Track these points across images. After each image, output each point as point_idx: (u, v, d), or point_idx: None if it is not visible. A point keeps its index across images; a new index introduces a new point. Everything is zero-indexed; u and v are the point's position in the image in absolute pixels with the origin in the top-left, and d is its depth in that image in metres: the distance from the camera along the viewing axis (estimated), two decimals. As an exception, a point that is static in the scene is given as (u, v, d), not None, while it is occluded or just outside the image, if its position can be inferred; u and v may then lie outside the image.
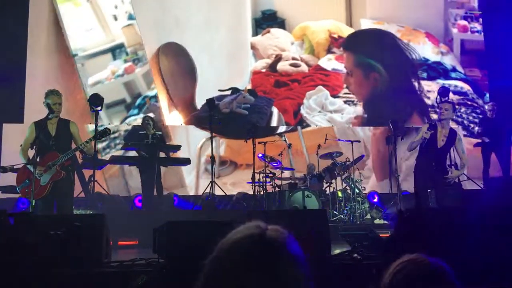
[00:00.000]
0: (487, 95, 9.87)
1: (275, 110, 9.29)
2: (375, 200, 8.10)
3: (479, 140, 8.13)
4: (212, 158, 6.81)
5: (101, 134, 5.20)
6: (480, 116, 9.35)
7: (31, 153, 4.84)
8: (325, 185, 7.92)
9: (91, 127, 7.80)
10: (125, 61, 9.16)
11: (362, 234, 4.16)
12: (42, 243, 3.22)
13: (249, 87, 9.35)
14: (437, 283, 1.12)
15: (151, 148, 6.84)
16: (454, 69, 9.95)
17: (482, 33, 10.18)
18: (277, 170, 7.87)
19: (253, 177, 7.22)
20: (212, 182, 6.75)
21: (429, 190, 5.61)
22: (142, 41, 9.15)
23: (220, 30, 9.50)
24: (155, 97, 9.07)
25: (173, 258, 3.29)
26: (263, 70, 9.53)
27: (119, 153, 8.01)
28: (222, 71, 9.40)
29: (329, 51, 9.75)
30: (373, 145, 9.32)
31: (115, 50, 9.18)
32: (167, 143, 7.85)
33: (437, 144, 5.50)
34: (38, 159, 4.72)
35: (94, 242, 3.44)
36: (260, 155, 7.57)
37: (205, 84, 9.18)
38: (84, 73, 8.92)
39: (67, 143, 4.97)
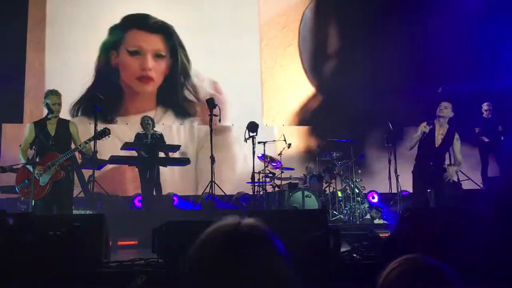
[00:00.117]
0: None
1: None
2: (375, 200, 8.09)
3: None
4: (212, 158, 6.80)
5: (101, 134, 5.20)
6: None
7: (30, 153, 4.84)
8: (324, 185, 7.92)
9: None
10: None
11: (361, 234, 4.16)
12: (42, 243, 3.22)
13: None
14: (432, 281, 1.11)
15: (150, 148, 6.83)
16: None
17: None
18: (277, 170, 7.87)
19: (252, 177, 7.22)
20: (211, 182, 6.74)
21: (428, 190, 5.61)
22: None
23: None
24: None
25: (172, 258, 3.28)
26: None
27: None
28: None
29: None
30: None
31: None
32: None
33: (434, 143, 5.50)
34: (37, 159, 4.72)
35: (93, 242, 3.44)
36: (259, 155, 7.57)
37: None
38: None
39: (67, 143, 4.97)
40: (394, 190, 7.02)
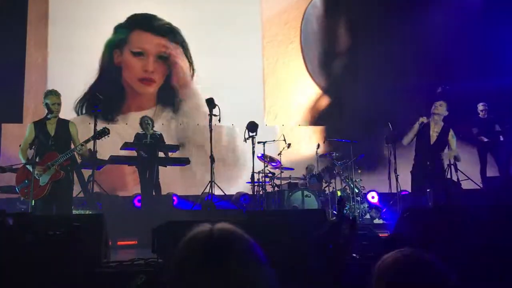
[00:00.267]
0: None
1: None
2: (375, 199, 8.10)
3: None
4: (212, 158, 6.79)
5: (100, 134, 5.19)
6: None
7: (30, 153, 4.83)
8: (324, 185, 7.92)
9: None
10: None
11: (361, 234, 4.16)
12: (41, 243, 3.22)
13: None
14: (420, 273, 1.13)
15: (150, 148, 6.83)
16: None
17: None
18: (277, 169, 7.87)
19: (252, 177, 7.22)
20: (211, 182, 6.74)
21: (428, 190, 5.62)
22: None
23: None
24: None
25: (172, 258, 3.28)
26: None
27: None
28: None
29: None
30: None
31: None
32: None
33: (429, 141, 5.52)
34: (37, 159, 4.72)
35: (93, 242, 3.44)
36: (259, 155, 7.57)
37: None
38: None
39: (66, 143, 4.96)
40: (393, 190, 7.03)
